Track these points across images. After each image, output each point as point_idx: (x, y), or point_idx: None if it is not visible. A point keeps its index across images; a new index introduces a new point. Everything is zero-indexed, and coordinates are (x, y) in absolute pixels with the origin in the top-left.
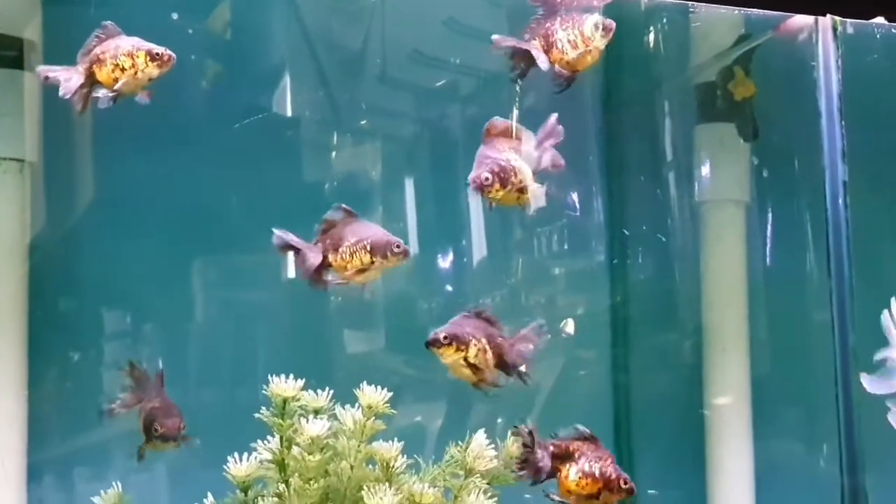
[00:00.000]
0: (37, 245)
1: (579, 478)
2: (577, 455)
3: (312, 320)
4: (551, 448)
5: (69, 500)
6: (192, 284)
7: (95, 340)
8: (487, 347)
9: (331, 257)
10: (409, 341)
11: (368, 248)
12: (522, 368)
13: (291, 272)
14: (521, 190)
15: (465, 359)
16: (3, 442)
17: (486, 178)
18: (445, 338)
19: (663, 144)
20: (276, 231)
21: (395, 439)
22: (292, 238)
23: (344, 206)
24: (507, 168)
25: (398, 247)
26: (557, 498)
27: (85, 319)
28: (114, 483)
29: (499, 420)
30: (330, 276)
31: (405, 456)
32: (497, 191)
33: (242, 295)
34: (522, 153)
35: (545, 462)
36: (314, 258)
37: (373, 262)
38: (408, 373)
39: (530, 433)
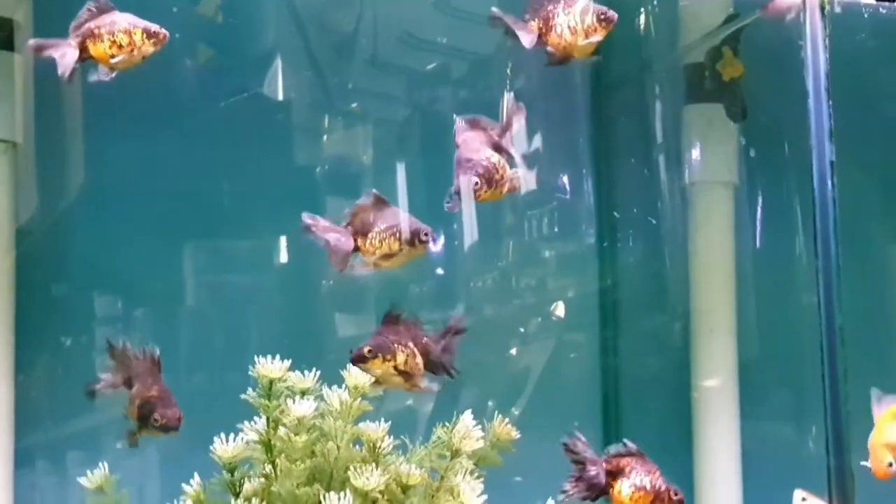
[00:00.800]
0: (27, 229)
1: (633, 492)
2: (627, 470)
3: (303, 304)
4: (604, 464)
5: (61, 484)
6: (183, 268)
7: (85, 325)
8: (415, 351)
9: (359, 242)
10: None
11: (398, 235)
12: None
13: (284, 256)
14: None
15: (395, 367)
16: None
17: (476, 183)
18: (370, 351)
19: (652, 126)
20: (306, 215)
21: (386, 422)
22: (322, 222)
23: (375, 191)
24: (490, 167)
25: (426, 234)
26: None
27: (74, 304)
28: (100, 464)
29: (489, 403)
30: (357, 262)
31: (392, 437)
32: (485, 192)
33: (233, 279)
34: (497, 146)
35: (600, 478)
36: (346, 243)
37: (401, 249)
38: None
39: (584, 446)
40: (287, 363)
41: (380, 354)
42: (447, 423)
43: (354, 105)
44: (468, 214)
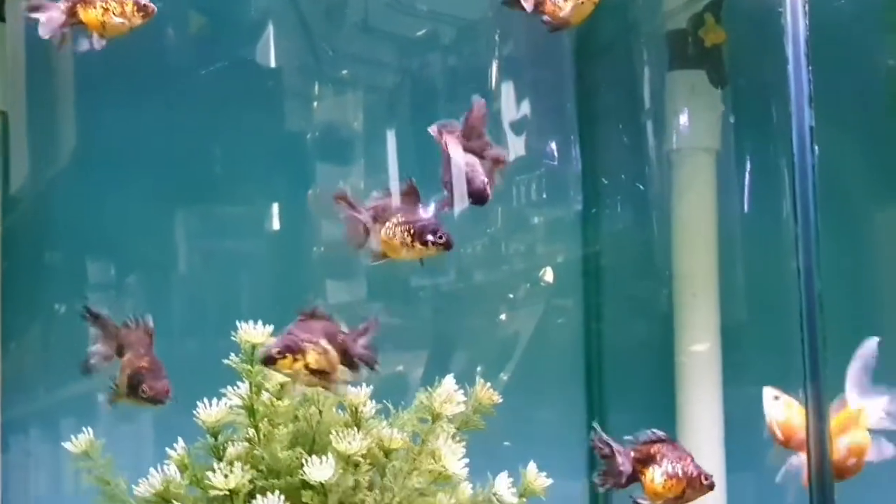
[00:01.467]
0: (18, 197)
1: (665, 480)
2: (658, 457)
3: (294, 270)
4: (632, 453)
5: (54, 451)
6: (175, 235)
7: (75, 292)
8: (328, 347)
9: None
10: (390, 290)
11: (412, 231)
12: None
13: (275, 222)
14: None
15: (307, 366)
16: None
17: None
18: (279, 352)
19: (637, 92)
20: (339, 191)
21: (375, 388)
22: (352, 200)
23: (412, 181)
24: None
25: (441, 237)
26: (645, 501)
27: (64, 271)
28: (84, 429)
29: (478, 368)
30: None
31: (380, 402)
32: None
33: (224, 245)
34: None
35: (627, 468)
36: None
37: (413, 247)
38: (389, 322)
39: (607, 443)
40: (269, 328)
41: (289, 354)
42: (429, 388)
43: (345, 72)
44: (458, 179)
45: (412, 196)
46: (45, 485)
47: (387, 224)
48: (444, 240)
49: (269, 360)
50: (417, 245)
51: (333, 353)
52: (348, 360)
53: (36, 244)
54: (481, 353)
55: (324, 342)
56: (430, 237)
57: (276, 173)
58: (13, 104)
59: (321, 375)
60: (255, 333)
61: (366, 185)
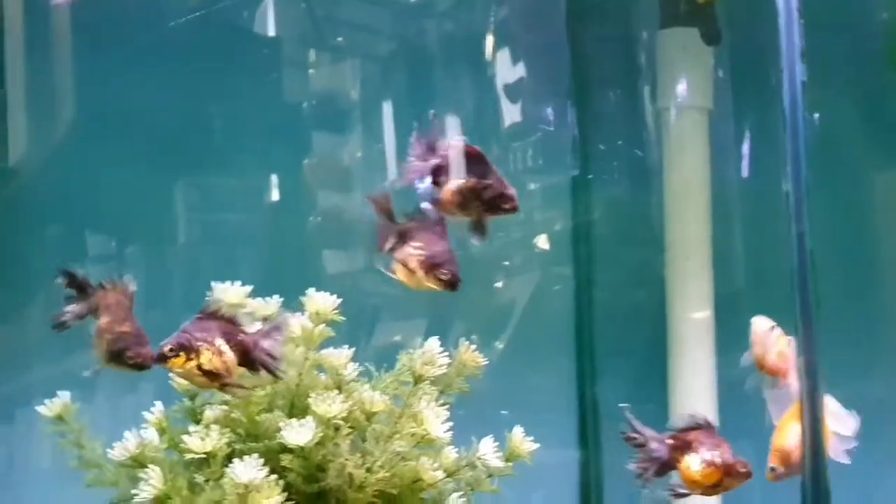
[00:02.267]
0: (15, 170)
1: (703, 467)
2: (695, 444)
3: (292, 241)
4: (669, 441)
5: None
6: (172, 205)
7: (76, 263)
8: (225, 349)
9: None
10: (388, 261)
11: (421, 259)
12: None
13: (272, 193)
14: None
15: (200, 367)
16: None
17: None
18: (171, 349)
19: (630, 53)
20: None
21: (374, 359)
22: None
23: (444, 219)
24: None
25: (445, 274)
26: (683, 490)
27: (64, 243)
28: (57, 393)
29: (473, 336)
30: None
31: (357, 364)
32: None
33: (221, 215)
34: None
35: (662, 454)
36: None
37: (416, 274)
38: (387, 292)
39: (639, 432)
40: (248, 288)
41: (182, 352)
42: (411, 350)
43: (341, 39)
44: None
45: (435, 225)
46: (48, 457)
47: (403, 245)
48: (448, 276)
49: (160, 359)
50: (421, 273)
51: (230, 356)
52: (248, 362)
53: (34, 216)
54: (479, 322)
55: (220, 342)
56: (436, 272)
57: (272, 142)
58: (11, 75)
59: (214, 377)
60: (231, 293)
61: (363, 155)
